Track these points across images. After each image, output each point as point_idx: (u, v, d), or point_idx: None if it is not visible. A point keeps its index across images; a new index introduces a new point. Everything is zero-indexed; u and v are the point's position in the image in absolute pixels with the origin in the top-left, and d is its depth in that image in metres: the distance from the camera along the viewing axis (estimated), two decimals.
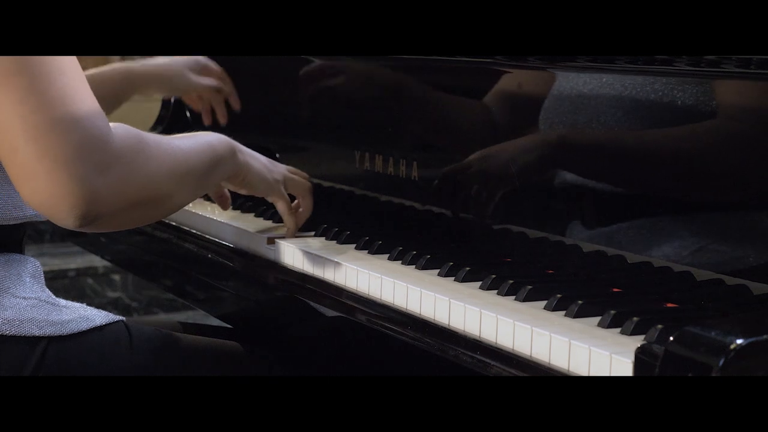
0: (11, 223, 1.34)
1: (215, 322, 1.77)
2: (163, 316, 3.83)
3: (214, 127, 2.08)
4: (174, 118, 2.25)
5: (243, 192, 1.59)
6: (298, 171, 1.66)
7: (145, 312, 3.87)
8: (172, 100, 2.27)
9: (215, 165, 1.43)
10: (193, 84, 2.01)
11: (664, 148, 1.28)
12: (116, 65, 1.97)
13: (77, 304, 1.39)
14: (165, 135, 1.41)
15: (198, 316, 3.47)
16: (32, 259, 1.39)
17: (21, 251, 1.39)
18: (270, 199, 1.60)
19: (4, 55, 1.16)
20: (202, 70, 2.02)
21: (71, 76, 1.19)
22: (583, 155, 1.38)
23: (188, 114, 2.24)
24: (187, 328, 1.69)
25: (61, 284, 3.65)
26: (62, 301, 1.37)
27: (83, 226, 1.20)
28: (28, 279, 1.35)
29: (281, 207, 1.60)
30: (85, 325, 1.34)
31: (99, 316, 1.37)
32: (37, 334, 1.30)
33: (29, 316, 1.31)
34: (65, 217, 1.18)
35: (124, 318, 1.41)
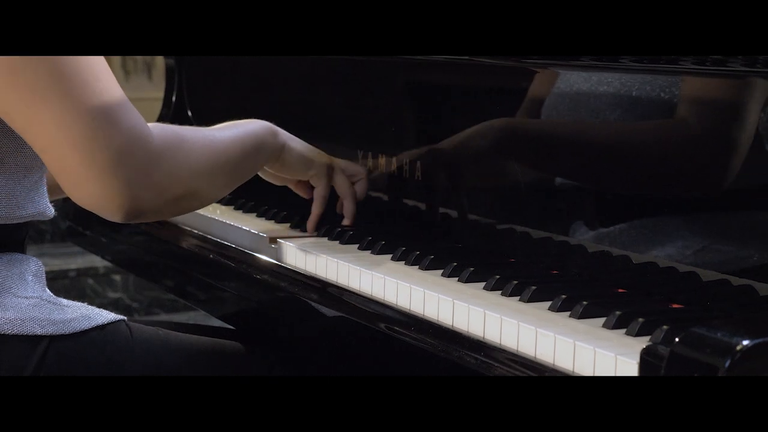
0: (14, 222, 1.34)
1: (217, 323, 1.78)
2: (164, 317, 3.83)
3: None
4: (175, 117, 2.25)
5: (283, 174, 1.61)
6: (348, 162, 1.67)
7: (146, 313, 3.88)
8: (174, 98, 2.27)
9: (257, 150, 1.49)
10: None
11: (670, 147, 1.28)
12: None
13: (79, 304, 1.40)
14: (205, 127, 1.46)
15: (199, 317, 3.48)
16: (34, 258, 1.40)
17: (23, 251, 1.39)
18: (311, 178, 1.61)
19: (38, 56, 1.20)
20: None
21: (105, 81, 1.24)
22: (588, 155, 1.38)
23: (190, 113, 2.24)
24: (189, 329, 1.69)
25: (62, 284, 3.65)
26: (64, 301, 1.37)
27: (131, 221, 1.29)
28: (30, 278, 1.35)
29: (320, 188, 1.62)
30: (86, 324, 1.35)
31: (100, 315, 1.38)
32: (39, 333, 1.30)
33: (31, 315, 1.31)
34: (114, 215, 1.27)
35: (125, 318, 1.41)
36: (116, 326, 1.38)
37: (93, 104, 1.23)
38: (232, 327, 1.71)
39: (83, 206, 1.28)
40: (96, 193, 1.25)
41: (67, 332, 1.33)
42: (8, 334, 1.29)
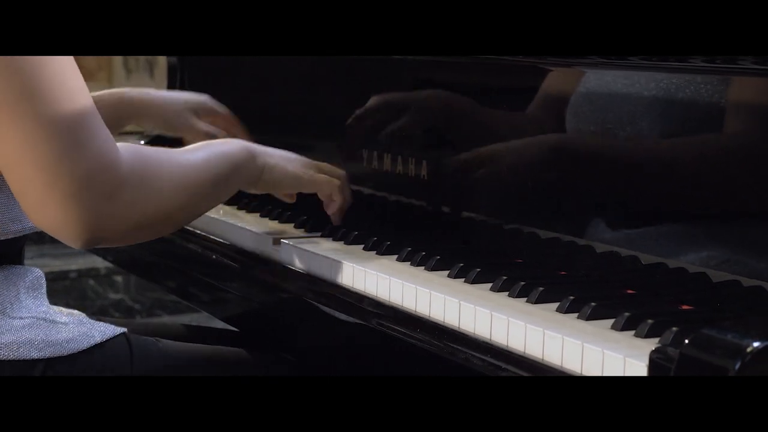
0: (10, 237, 1.33)
1: (219, 324, 1.78)
2: (166, 319, 3.83)
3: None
4: None
5: (268, 192, 1.59)
6: (329, 166, 1.64)
7: (148, 314, 3.88)
8: None
9: (231, 173, 1.44)
10: (194, 128, 1.89)
11: (679, 148, 1.28)
12: (113, 90, 1.90)
13: (77, 315, 1.37)
14: (177, 147, 1.42)
15: (202, 318, 3.48)
16: (33, 269, 1.38)
17: (21, 261, 1.38)
18: (308, 191, 1.59)
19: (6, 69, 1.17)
20: (206, 113, 1.92)
21: (81, 102, 1.21)
22: (596, 155, 1.38)
23: None
24: (192, 331, 1.69)
25: (62, 286, 3.65)
26: (61, 316, 1.35)
27: (91, 247, 1.26)
28: (23, 295, 1.33)
29: (325, 192, 1.59)
30: (85, 344, 1.33)
31: (99, 331, 1.36)
32: (36, 357, 1.29)
33: (27, 337, 1.30)
34: (74, 242, 1.23)
35: (125, 330, 1.39)
36: (116, 342, 1.36)
37: (63, 124, 1.19)
38: (235, 329, 1.71)
39: (42, 228, 1.24)
40: (56, 219, 1.20)
41: (65, 353, 1.31)
42: (4, 360, 1.28)
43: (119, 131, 1.85)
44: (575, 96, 1.40)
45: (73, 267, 3.78)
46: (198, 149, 1.41)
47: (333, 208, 1.60)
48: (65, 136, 1.18)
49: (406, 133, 1.66)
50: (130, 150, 1.26)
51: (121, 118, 1.85)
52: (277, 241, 1.59)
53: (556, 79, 1.42)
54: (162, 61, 3.94)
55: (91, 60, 4.47)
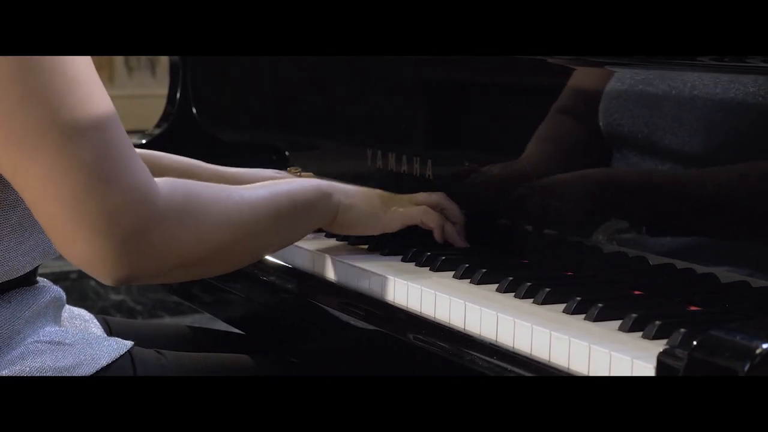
0: (21, 274, 1.31)
1: (222, 325, 1.78)
2: (168, 320, 3.83)
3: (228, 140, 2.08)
4: (180, 114, 2.25)
5: (345, 233, 1.50)
6: (426, 194, 1.53)
7: (150, 315, 3.88)
8: (178, 95, 2.27)
9: (299, 212, 1.37)
10: None
11: (687, 149, 1.28)
12: (171, 158, 1.69)
13: (82, 334, 1.34)
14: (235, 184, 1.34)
15: (204, 320, 3.48)
16: (52, 288, 1.36)
17: (35, 281, 1.35)
18: (392, 230, 1.48)
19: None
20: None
21: (109, 133, 1.15)
22: (602, 155, 1.38)
23: (194, 110, 2.24)
24: (196, 332, 1.68)
25: (63, 287, 3.62)
26: (68, 336, 1.32)
27: (125, 284, 1.20)
28: (36, 316, 1.32)
29: (437, 232, 1.48)
30: (90, 369, 1.30)
31: (105, 352, 1.32)
32: None
33: (35, 365, 1.27)
34: (105, 279, 1.18)
35: (132, 345, 1.36)
36: (120, 364, 1.33)
37: (88, 157, 1.13)
38: (240, 331, 1.71)
39: (76, 265, 1.19)
40: (86, 256, 1.16)
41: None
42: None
43: None
44: (581, 96, 1.40)
45: (74, 268, 3.77)
46: (260, 186, 1.34)
47: (436, 236, 1.50)
48: (91, 170, 1.13)
49: (412, 132, 1.67)
50: (170, 184, 1.20)
51: None
52: None
53: (562, 79, 1.42)
54: (164, 59, 3.95)
55: (91, 58, 4.47)
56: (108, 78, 4.65)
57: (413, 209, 1.49)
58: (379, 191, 1.50)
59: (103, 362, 1.31)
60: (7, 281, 1.29)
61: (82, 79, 1.15)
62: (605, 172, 1.38)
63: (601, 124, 1.36)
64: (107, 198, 1.13)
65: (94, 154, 1.13)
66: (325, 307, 1.41)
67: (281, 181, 1.40)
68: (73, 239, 1.15)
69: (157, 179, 1.19)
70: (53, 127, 1.12)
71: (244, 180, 1.65)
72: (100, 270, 1.17)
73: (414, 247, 1.46)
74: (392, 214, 1.48)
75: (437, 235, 1.49)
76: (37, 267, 1.36)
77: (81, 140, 1.13)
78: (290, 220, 1.35)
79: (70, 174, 1.12)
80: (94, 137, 1.14)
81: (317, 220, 1.42)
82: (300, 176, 1.72)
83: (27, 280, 1.33)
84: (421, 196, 1.52)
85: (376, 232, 1.48)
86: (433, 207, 1.50)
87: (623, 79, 1.34)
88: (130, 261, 1.16)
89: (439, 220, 1.49)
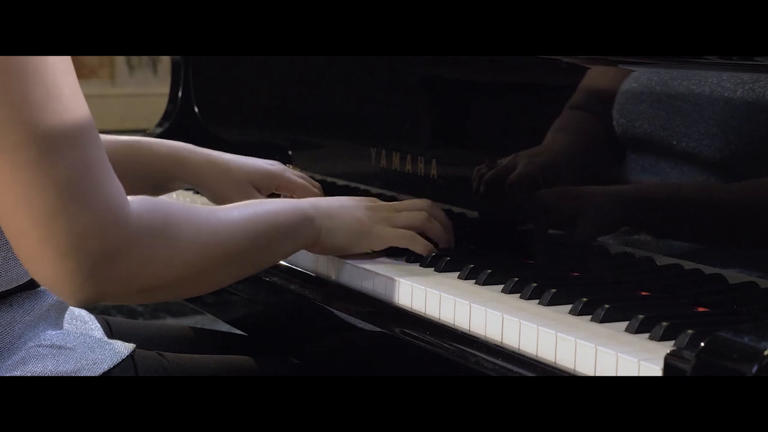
0: (26, 280, 1.30)
1: (225, 326, 1.78)
2: (171, 321, 3.84)
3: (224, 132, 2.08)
4: (182, 113, 2.26)
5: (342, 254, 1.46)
6: (410, 201, 1.50)
7: (151, 316, 3.88)
8: (180, 94, 2.27)
9: (279, 236, 1.34)
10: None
11: (695, 149, 1.28)
12: (159, 141, 1.70)
13: (83, 338, 1.34)
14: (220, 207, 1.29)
15: (206, 321, 3.48)
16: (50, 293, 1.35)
17: (37, 285, 1.34)
18: (379, 248, 1.46)
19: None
20: (274, 184, 1.69)
21: (86, 151, 1.12)
22: (610, 156, 1.38)
23: (196, 109, 2.25)
24: (198, 333, 1.68)
25: None
26: (69, 340, 1.32)
27: (88, 305, 1.18)
28: (36, 320, 1.31)
29: (416, 248, 1.44)
30: (92, 374, 1.30)
31: (107, 356, 1.32)
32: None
33: (36, 370, 1.27)
34: (69, 299, 1.16)
35: (134, 348, 1.36)
36: (122, 368, 1.33)
37: (62, 178, 1.10)
38: (242, 332, 1.72)
39: (39, 283, 1.17)
40: (49, 275, 1.12)
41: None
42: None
43: (165, 186, 1.69)
44: (590, 95, 1.40)
45: None
46: (240, 207, 1.30)
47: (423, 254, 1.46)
48: (63, 189, 1.10)
49: (417, 131, 1.67)
50: (144, 204, 1.17)
51: (160, 174, 1.66)
52: None
53: (569, 78, 1.42)
54: (165, 57, 3.95)
55: (92, 56, 4.48)
56: (109, 76, 4.64)
57: (401, 234, 1.45)
58: (364, 203, 1.46)
59: (105, 367, 1.30)
60: (8, 289, 1.29)
61: (63, 94, 1.13)
62: (614, 172, 1.38)
63: (611, 124, 1.36)
64: (76, 219, 1.11)
65: (68, 174, 1.10)
66: (329, 308, 1.41)
67: (264, 202, 1.37)
68: (39, 258, 1.12)
69: (131, 198, 1.16)
70: (29, 142, 1.09)
71: (236, 167, 1.66)
72: (64, 291, 1.14)
73: None
74: (377, 235, 1.44)
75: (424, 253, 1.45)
76: None
77: (56, 158, 1.10)
78: (269, 244, 1.32)
79: (42, 192, 1.10)
80: (70, 155, 1.11)
81: (298, 244, 1.39)
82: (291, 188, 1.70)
83: (29, 285, 1.33)
84: (405, 203, 1.49)
85: (360, 251, 1.45)
86: (417, 229, 1.46)
87: (635, 78, 1.34)
88: (95, 284, 1.13)
89: (425, 248, 1.45)
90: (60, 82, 1.12)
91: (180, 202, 1.23)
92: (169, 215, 1.19)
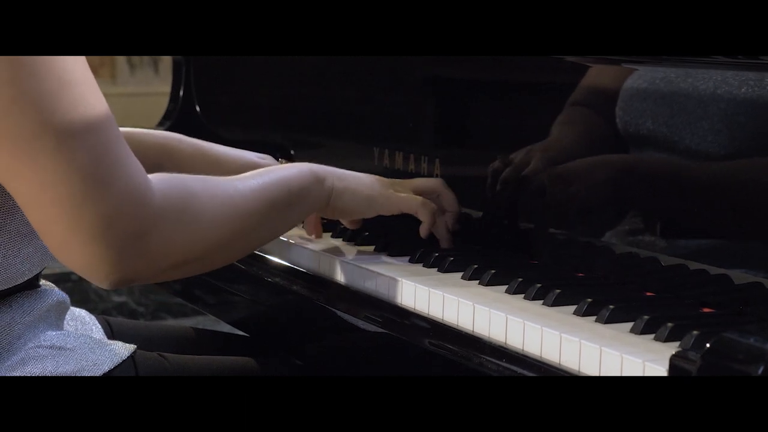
0: (27, 278, 1.30)
1: (226, 327, 1.78)
2: (172, 322, 3.84)
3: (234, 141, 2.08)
4: (183, 112, 2.26)
5: (348, 220, 1.51)
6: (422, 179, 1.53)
7: (152, 317, 3.88)
8: (181, 93, 2.27)
9: (293, 199, 1.36)
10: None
11: (701, 148, 1.28)
12: (184, 138, 1.69)
13: (83, 339, 1.33)
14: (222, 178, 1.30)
15: (208, 322, 3.48)
16: (55, 292, 1.35)
17: (37, 285, 1.35)
18: (388, 213, 1.48)
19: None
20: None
21: (104, 134, 1.13)
22: (615, 156, 1.38)
23: (198, 108, 2.25)
24: (200, 334, 1.68)
25: (65, 288, 3.63)
26: (69, 341, 1.32)
27: (121, 287, 1.20)
28: (36, 321, 1.31)
29: (423, 217, 1.46)
30: (92, 375, 1.30)
31: (107, 357, 1.32)
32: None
33: (36, 372, 1.27)
34: (101, 283, 1.18)
35: (135, 348, 1.35)
36: (122, 369, 1.32)
37: (83, 161, 1.11)
38: (244, 333, 1.72)
39: (71, 269, 1.18)
40: (81, 260, 1.15)
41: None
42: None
43: None
44: (593, 93, 1.40)
45: None
46: (253, 176, 1.33)
47: (422, 231, 1.48)
48: (87, 173, 1.12)
49: (420, 131, 1.67)
50: (166, 181, 1.19)
51: (148, 165, 1.69)
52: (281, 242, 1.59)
53: (572, 77, 1.42)
54: (167, 57, 3.95)
55: (93, 56, 4.48)
56: (110, 75, 4.65)
57: (412, 198, 1.48)
58: (375, 176, 1.49)
59: (105, 368, 1.30)
60: (7, 288, 1.29)
61: (76, 80, 1.14)
62: (618, 172, 1.38)
63: (614, 122, 1.36)
64: (104, 202, 1.12)
65: (89, 158, 1.12)
66: (331, 308, 1.41)
67: (274, 168, 1.39)
68: (69, 244, 1.14)
69: (151, 176, 1.18)
70: (47, 130, 1.11)
71: (224, 158, 1.67)
72: (97, 274, 1.16)
73: (422, 247, 1.46)
74: (388, 198, 1.47)
75: (424, 231, 1.48)
76: (40, 271, 1.35)
77: (75, 143, 1.12)
78: (285, 208, 1.35)
79: (66, 178, 1.11)
80: (89, 140, 1.12)
81: (311, 206, 1.42)
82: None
83: (29, 285, 1.33)
84: (419, 181, 1.52)
85: (370, 215, 1.48)
86: (430, 192, 1.50)
87: (639, 76, 1.34)
88: (128, 265, 1.15)
89: (433, 217, 1.47)
90: (71, 68, 1.14)
91: (195, 175, 1.26)
92: (191, 188, 1.22)
